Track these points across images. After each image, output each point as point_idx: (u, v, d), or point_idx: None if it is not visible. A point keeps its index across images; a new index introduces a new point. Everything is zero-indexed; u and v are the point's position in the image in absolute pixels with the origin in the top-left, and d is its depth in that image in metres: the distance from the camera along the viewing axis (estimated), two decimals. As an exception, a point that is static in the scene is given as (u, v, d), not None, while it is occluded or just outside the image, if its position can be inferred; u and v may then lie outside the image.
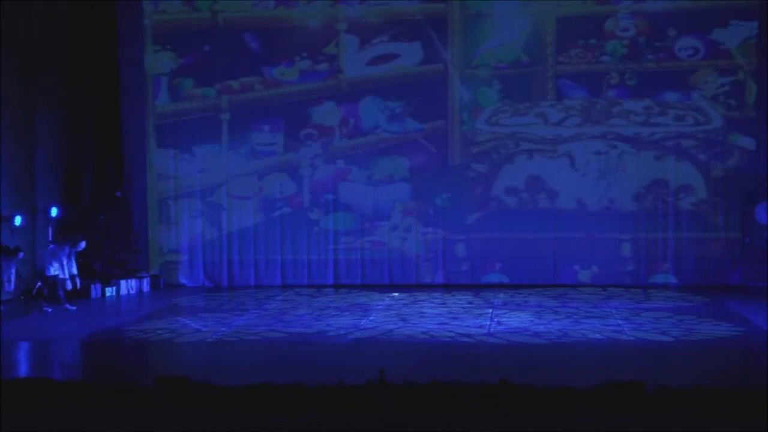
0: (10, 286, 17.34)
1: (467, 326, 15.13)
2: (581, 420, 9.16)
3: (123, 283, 19.52)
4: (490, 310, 16.68)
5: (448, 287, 19.70)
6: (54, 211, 19.15)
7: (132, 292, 19.64)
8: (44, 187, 19.72)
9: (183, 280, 20.70)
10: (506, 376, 9.94)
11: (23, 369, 12.60)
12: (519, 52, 19.97)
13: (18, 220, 18.45)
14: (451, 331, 14.73)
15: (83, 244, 17.91)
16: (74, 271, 17.41)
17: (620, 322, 15.41)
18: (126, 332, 15.34)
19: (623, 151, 19.75)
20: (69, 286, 17.33)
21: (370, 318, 16.13)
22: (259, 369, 12.29)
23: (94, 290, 19.00)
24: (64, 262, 17.25)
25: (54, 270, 17.15)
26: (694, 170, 19.66)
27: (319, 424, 9.19)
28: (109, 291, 19.25)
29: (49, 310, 16.96)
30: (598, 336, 14.30)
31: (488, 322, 15.48)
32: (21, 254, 17.42)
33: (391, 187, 20.32)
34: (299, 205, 20.56)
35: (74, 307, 17.17)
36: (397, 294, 18.84)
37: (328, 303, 18.03)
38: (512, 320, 15.70)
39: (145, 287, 20.00)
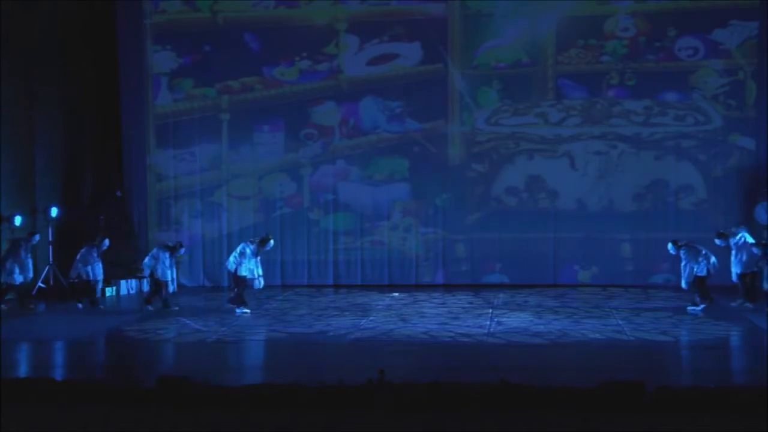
0: (174, 285, 17.14)
1: (467, 326, 15.13)
2: (581, 420, 9.16)
3: (123, 283, 19.51)
4: (490, 310, 16.67)
5: (448, 287, 19.69)
6: (54, 211, 19.16)
7: (132, 292, 19.62)
8: (44, 187, 19.74)
9: (183, 280, 20.66)
10: (506, 376, 9.93)
11: (23, 369, 12.59)
12: (519, 52, 19.97)
13: (18, 220, 18.45)
14: (451, 331, 14.72)
15: (183, 250, 17.82)
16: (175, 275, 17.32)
17: (620, 322, 15.41)
18: (126, 332, 15.33)
19: (623, 151, 19.75)
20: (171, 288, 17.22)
21: (370, 318, 16.13)
22: (259, 369, 12.29)
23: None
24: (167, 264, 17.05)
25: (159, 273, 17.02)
26: (694, 170, 19.66)
27: (319, 424, 9.19)
28: (109, 291, 19.23)
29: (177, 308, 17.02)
30: (598, 336, 14.30)
31: (488, 322, 15.47)
32: (182, 250, 17.35)
33: (391, 187, 20.32)
34: (299, 205, 20.56)
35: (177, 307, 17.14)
36: (397, 294, 18.83)
37: (328, 303, 18.03)
38: (512, 320, 15.69)
39: (145, 287, 19.97)
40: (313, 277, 20.37)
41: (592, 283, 19.61)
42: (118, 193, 20.34)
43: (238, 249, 16.79)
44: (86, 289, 17.48)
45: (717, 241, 16.89)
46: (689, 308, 16.26)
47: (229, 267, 16.82)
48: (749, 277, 16.55)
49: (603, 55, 19.82)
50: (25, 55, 19.10)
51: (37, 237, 17.83)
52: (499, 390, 9.64)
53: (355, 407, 9.51)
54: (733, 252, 16.64)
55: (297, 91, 20.49)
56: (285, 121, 20.53)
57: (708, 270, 16.04)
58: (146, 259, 17.16)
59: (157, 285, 17.06)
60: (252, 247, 16.71)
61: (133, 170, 20.78)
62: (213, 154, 20.70)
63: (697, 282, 16.13)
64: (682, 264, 16.22)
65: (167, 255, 16.94)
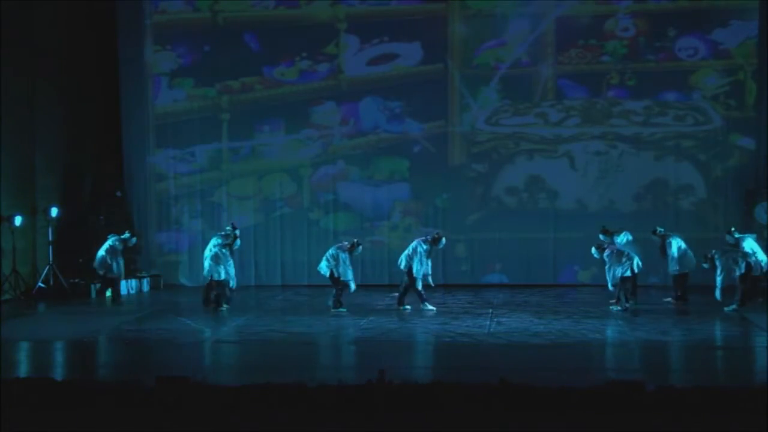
0: (354, 285, 16.76)
1: (467, 326, 15.12)
2: (581, 420, 9.15)
3: (123, 283, 19.49)
4: (490, 310, 16.67)
5: (448, 287, 19.68)
6: (54, 211, 19.15)
7: (132, 292, 19.62)
8: (44, 187, 19.73)
9: (183, 280, 20.70)
10: (506, 376, 9.93)
11: (23, 369, 12.59)
12: (519, 52, 19.97)
13: (18, 220, 18.44)
14: (451, 331, 14.71)
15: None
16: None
17: (620, 322, 15.41)
18: (126, 332, 15.32)
19: (623, 151, 19.77)
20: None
21: (370, 318, 16.12)
22: (259, 369, 12.28)
23: (94, 290, 18.97)
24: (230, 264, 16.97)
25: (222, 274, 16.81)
26: (694, 170, 19.67)
27: (319, 424, 9.19)
28: (109, 291, 19.20)
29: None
30: (598, 336, 14.30)
31: (488, 322, 15.47)
32: (360, 248, 16.91)
33: (391, 187, 20.33)
34: (299, 205, 20.56)
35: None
36: (397, 294, 18.78)
37: (328, 303, 18.00)
38: (512, 320, 15.68)
39: (145, 287, 19.99)
40: (313, 277, 20.31)
41: (592, 283, 19.60)
42: (118, 193, 20.34)
43: (411, 247, 16.60)
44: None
45: (600, 236, 17.21)
46: (612, 307, 16.49)
47: (401, 266, 16.67)
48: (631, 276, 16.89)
49: (603, 55, 19.83)
50: (25, 55, 19.09)
51: (239, 243, 17.74)
52: (499, 390, 9.63)
53: (355, 407, 9.50)
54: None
55: (297, 91, 20.50)
56: (285, 121, 20.53)
57: (632, 270, 16.22)
58: (323, 262, 16.66)
59: (340, 285, 16.64)
60: (425, 246, 16.55)
61: (133, 170, 20.79)
62: (213, 154, 20.71)
63: (622, 283, 16.29)
64: (606, 267, 16.37)
65: (347, 255, 16.56)
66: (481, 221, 20.04)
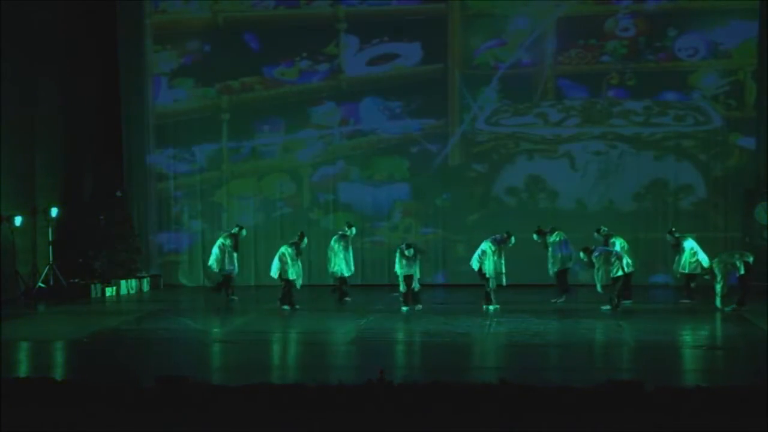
0: (417, 284, 16.73)
1: (467, 326, 15.12)
2: (581, 420, 9.15)
3: (123, 283, 19.51)
4: (490, 310, 16.65)
5: (449, 287, 19.67)
6: (54, 211, 19.14)
7: (132, 292, 19.63)
8: (44, 187, 19.73)
9: (183, 280, 20.70)
10: (506, 376, 9.93)
11: (23, 369, 12.59)
12: (519, 52, 19.98)
13: (18, 220, 18.43)
14: (451, 331, 14.71)
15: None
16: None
17: (620, 322, 15.40)
18: (126, 332, 15.32)
19: (623, 151, 19.77)
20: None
21: (370, 318, 16.12)
22: (259, 369, 12.28)
23: (94, 290, 18.99)
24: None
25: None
26: (694, 170, 19.67)
27: (319, 424, 9.19)
28: (109, 291, 19.24)
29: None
30: (597, 336, 14.30)
31: (488, 322, 15.46)
32: (411, 251, 16.78)
33: (391, 187, 20.33)
34: (299, 205, 20.56)
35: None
36: (397, 294, 18.79)
37: (329, 303, 18.02)
38: (512, 320, 15.68)
39: (145, 287, 20.00)
40: (313, 277, 20.34)
41: (592, 283, 19.56)
42: (118, 193, 20.34)
43: (480, 248, 16.57)
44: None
45: (534, 236, 17.49)
46: (602, 308, 16.43)
47: (474, 267, 16.64)
48: (564, 273, 17.44)
49: (603, 55, 19.84)
50: (25, 55, 19.09)
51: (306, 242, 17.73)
52: (499, 390, 9.63)
53: (355, 407, 9.50)
54: (550, 250, 17.29)
55: (297, 91, 20.51)
56: (285, 121, 20.54)
57: (623, 269, 16.23)
58: (396, 266, 16.75)
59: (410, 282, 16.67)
60: (494, 246, 16.52)
61: (133, 170, 20.80)
62: (213, 154, 20.71)
63: (612, 283, 16.29)
64: (595, 268, 16.32)
65: (400, 257, 16.55)
66: (481, 221, 20.02)
